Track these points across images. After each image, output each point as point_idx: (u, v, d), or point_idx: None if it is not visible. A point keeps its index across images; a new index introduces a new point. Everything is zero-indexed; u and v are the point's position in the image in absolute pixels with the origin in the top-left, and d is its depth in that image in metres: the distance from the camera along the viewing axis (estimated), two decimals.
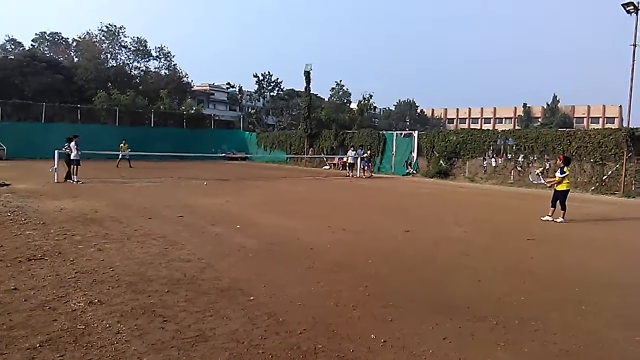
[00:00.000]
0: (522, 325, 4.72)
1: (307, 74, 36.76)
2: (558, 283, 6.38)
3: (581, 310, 5.25)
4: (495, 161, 25.71)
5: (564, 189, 11.92)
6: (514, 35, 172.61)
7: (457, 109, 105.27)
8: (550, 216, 11.92)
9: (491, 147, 25.44)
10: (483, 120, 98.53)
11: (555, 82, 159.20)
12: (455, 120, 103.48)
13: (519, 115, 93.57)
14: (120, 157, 27.93)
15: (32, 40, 55.51)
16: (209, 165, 32.77)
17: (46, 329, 4.21)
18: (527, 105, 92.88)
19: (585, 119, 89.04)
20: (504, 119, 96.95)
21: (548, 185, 12.93)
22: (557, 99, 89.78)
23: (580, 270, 7.19)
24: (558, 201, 11.87)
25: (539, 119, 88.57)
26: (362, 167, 27.35)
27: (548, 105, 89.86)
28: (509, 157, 24.20)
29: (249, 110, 67.60)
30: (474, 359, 3.92)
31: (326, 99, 71.28)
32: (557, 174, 12.02)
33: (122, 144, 28.18)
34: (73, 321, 4.40)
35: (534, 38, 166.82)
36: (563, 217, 11.75)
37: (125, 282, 5.64)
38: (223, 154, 38.17)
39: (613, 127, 25.10)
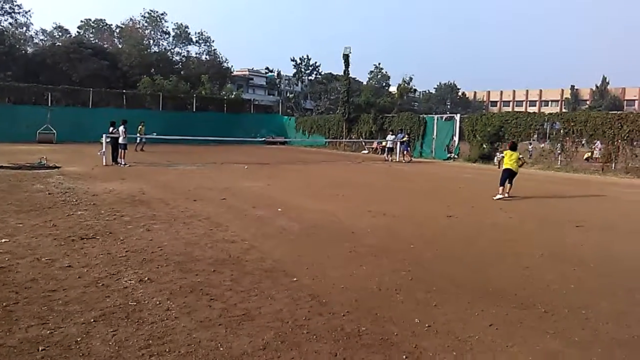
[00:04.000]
0: (572, 313, 4.59)
1: (346, 57, 36.37)
2: (609, 271, 6.16)
3: (634, 300, 5.05)
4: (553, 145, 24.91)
5: (505, 167, 12.66)
6: (560, 15, 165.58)
7: (501, 91, 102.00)
8: (507, 193, 12.50)
9: (537, 131, 24.65)
10: (528, 103, 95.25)
11: (605, 63, 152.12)
12: (498, 103, 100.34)
13: (566, 98, 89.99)
14: (138, 140, 27.30)
15: (77, 27, 57.37)
16: (249, 149, 33.18)
17: (99, 304, 4.38)
18: (575, 87, 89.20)
19: (636, 102, 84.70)
20: (550, 102, 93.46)
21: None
22: (607, 80, 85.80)
23: (632, 258, 6.89)
24: (508, 179, 12.59)
25: (587, 102, 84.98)
26: (401, 151, 27.03)
27: (597, 87, 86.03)
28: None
29: (288, 94, 67.80)
30: (522, 346, 3.84)
31: (364, 83, 70.60)
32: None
33: (140, 126, 27.66)
34: (125, 298, 4.57)
35: (581, 18, 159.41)
36: (501, 193, 12.42)
37: (173, 261, 5.81)
38: (262, 139, 38.50)
39: None
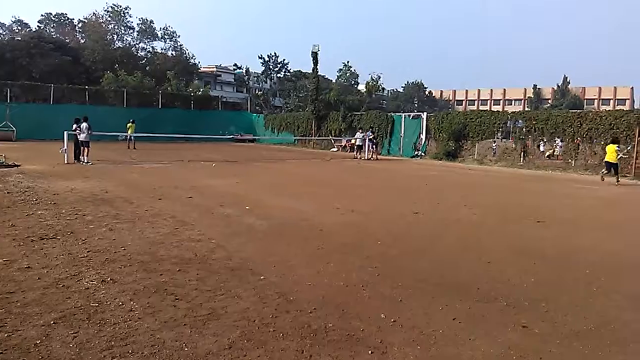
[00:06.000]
0: (533, 306, 4.72)
1: (315, 55, 36.36)
2: (568, 265, 6.36)
3: (592, 292, 5.23)
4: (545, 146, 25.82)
5: (605, 160, 16.97)
6: (522, 15, 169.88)
7: (466, 90, 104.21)
8: (617, 183, 16.28)
9: (501, 129, 25.29)
10: (492, 101, 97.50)
11: (566, 63, 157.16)
12: (464, 101, 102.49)
13: (528, 97, 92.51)
14: (130, 139, 27.83)
15: (38, 22, 55.34)
16: (217, 147, 32.79)
17: (60, 306, 4.26)
18: (537, 86, 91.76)
19: (596, 101, 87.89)
20: (513, 101, 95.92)
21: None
22: (568, 80, 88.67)
23: (591, 252, 7.14)
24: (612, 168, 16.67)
25: (549, 101, 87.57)
26: (369, 149, 27.24)
27: (558, 86, 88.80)
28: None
29: (256, 92, 67.29)
30: (484, 340, 3.93)
31: (333, 81, 70.65)
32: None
33: (133, 125, 28.24)
34: (86, 299, 4.45)
35: (543, 18, 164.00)
36: (604, 177, 17.36)
37: (137, 261, 5.69)
38: (231, 136, 38.09)
39: (624, 109, 24.79)
